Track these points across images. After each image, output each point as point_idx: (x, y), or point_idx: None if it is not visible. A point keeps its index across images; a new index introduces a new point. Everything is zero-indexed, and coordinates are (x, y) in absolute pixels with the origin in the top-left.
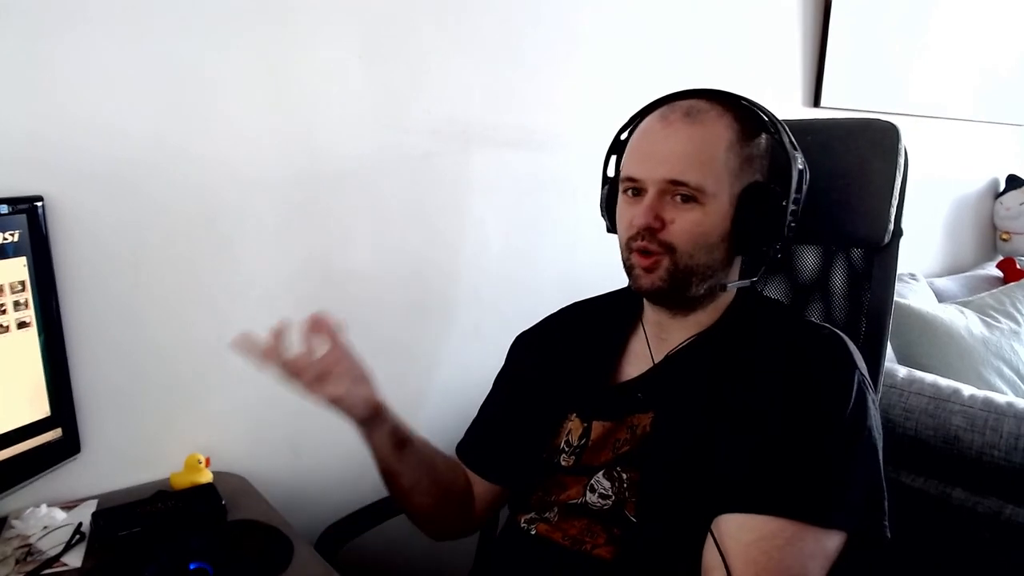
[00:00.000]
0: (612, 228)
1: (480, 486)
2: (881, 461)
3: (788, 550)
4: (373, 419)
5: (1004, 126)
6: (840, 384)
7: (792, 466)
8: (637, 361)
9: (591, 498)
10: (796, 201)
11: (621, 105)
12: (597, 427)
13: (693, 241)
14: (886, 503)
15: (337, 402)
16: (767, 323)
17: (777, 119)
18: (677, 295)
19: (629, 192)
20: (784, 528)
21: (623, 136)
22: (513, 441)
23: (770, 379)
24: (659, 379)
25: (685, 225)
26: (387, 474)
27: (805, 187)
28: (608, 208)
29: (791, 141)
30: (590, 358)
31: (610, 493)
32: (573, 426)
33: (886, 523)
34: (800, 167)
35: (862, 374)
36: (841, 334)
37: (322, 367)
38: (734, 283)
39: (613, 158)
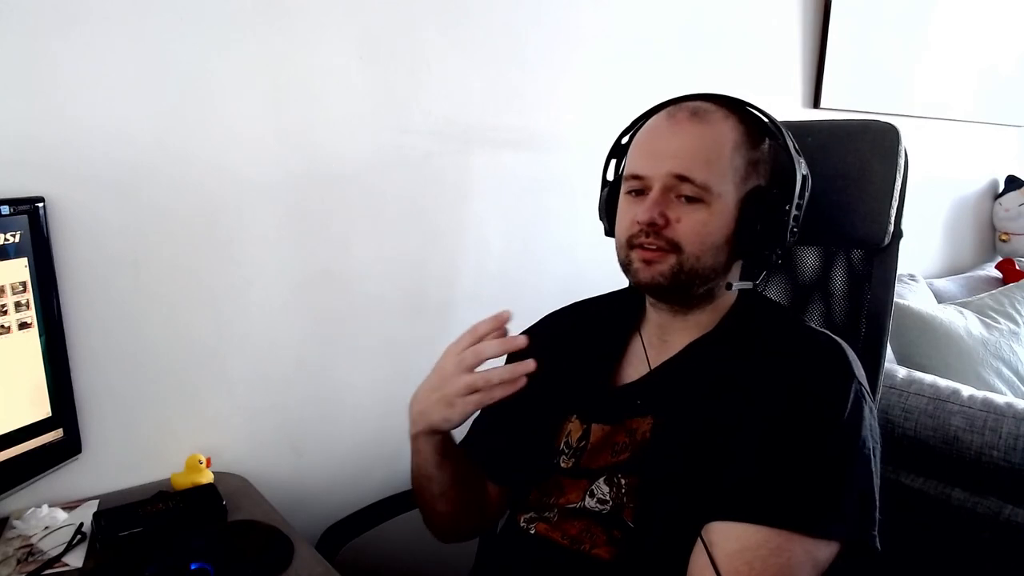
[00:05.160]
0: (610, 231)
1: (490, 488)
2: (876, 472)
3: (772, 561)
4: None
5: (1004, 127)
6: (836, 393)
7: (784, 474)
8: (638, 363)
9: (589, 503)
10: (799, 207)
11: (621, 106)
12: (596, 430)
13: (700, 242)
14: (877, 514)
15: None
16: (767, 329)
17: (780, 125)
18: (678, 294)
19: (632, 192)
20: (770, 539)
21: (624, 140)
22: (515, 442)
23: (767, 387)
24: (658, 384)
25: (692, 225)
26: (421, 478)
27: (807, 194)
28: (608, 212)
29: (795, 147)
30: (591, 359)
31: (608, 498)
32: (573, 427)
33: (875, 534)
34: (804, 173)
35: (859, 383)
36: (840, 342)
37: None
38: (738, 284)
39: (613, 162)
